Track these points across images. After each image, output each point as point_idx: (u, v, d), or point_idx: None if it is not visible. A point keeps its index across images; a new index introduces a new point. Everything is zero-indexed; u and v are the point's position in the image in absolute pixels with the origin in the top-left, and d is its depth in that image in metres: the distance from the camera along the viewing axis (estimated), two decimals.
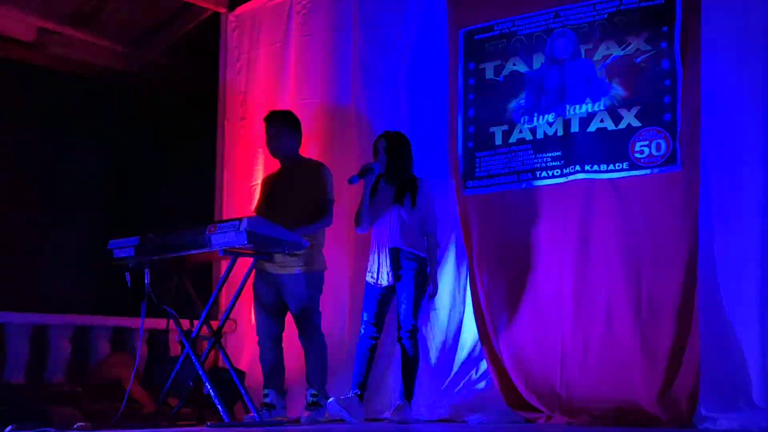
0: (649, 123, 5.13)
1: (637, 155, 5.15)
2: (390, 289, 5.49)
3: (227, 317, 5.45)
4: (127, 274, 5.33)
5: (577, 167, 5.31)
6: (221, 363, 5.77)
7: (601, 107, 5.28)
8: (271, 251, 5.18)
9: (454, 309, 5.75)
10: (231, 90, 7.14)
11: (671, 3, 5.10)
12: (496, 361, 5.44)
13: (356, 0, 6.40)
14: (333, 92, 6.46)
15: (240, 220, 4.98)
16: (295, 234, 5.21)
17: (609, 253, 5.17)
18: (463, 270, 5.72)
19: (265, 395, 5.53)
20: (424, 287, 5.47)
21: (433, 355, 5.76)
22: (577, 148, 5.33)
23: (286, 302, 5.56)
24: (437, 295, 5.60)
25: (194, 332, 5.33)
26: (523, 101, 5.57)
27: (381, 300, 5.51)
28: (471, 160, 5.72)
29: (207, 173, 7.20)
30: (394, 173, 5.57)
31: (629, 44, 5.23)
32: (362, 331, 5.51)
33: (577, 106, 5.36)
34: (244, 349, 6.54)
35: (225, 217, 6.77)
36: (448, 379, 5.69)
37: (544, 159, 5.45)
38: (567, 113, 5.40)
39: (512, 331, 5.44)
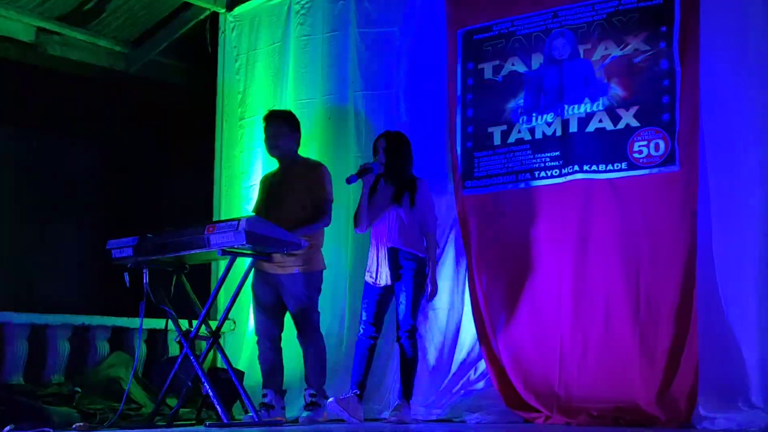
0: (648, 123, 5.13)
1: (636, 155, 5.14)
2: (389, 289, 5.48)
3: (226, 317, 5.46)
4: (125, 274, 5.33)
5: (576, 167, 5.31)
6: (220, 363, 5.77)
7: (600, 107, 5.28)
8: (270, 251, 5.17)
9: (452, 309, 5.75)
10: (230, 90, 7.14)
11: (670, 3, 5.10)
12: (494, 361, 5.44)
13: (355, 0, 6.40)
14: (332, 92, 6.46)
15: (238, 220, 4.98)
16: (293, 234, 5.22)
17: (608, 253, 5.17)
18: (462, 270, 5.72)
19: (264, 395, 5.52)
20: (423, 287, 5.45)
21: (432, 355, 5.75)
22: (575, 148, 5.33)
23: (284, 302, 5.56)
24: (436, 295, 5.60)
25: (193, 332, 5.33)
26: (521, 101, 5.57)
27: (380, 300, 5.50)
28: (470, 160, 5.72)
29: (206, 173, 7.19)
30: (393, 173, 5.56)
31: (628, 44, 5.23)
32: (361, 330, 5.51)
33: (576, 106, 5.36)
34: (243, 349, 6.54)
35: (224, 217, 6.76)
36: (447, 379, 5.69)
37: (543, 159, 5.45)
38: (565, 113, 5.40)
39: (511, 331, 5.44)
